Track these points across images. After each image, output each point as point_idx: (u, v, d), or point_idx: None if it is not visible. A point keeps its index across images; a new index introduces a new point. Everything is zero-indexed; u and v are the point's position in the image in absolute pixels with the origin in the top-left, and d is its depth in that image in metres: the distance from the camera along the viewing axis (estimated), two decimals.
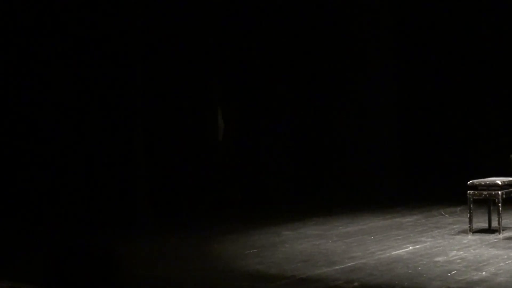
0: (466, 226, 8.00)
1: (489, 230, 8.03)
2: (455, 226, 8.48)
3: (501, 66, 12.36)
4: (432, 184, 12.26)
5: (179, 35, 10.93)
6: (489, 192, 7.80)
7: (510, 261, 6.39)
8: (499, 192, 7.73)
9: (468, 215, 7.92)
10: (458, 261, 6.53)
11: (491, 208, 8.08)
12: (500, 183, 7.78)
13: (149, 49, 10.54)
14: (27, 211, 9.55)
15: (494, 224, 7.99)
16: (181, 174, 10.92)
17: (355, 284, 5.89)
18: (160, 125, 10.78)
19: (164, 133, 10.82)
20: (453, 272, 6.09)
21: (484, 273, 6.02)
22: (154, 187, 10.52)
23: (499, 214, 7.74)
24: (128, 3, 10.05)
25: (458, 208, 9.84)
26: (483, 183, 7.87)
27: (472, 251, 6.98)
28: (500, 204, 7.71)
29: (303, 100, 12.49)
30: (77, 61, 9.99)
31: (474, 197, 7.86)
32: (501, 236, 7.68)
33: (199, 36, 11.07)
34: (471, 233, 7.87)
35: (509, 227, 8.06)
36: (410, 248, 7.27)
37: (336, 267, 6.53)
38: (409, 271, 6.21)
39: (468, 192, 7.89)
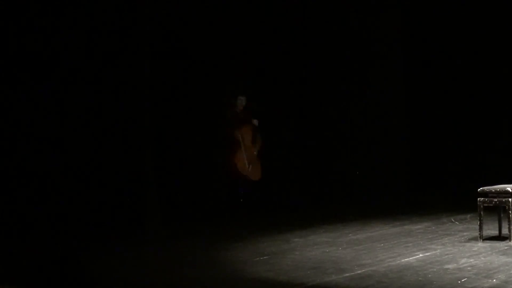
0: (477, 233, 7.96)
1: (500, 238, 7.99)
2: (465, 233, 8.45)
3: None
4: (442, 191, 12.22)
5: (187, 41, 10.95)
6: (500, 199, 7.77)
7: None
8: (510, 199, 7.69)
9: (479, 222, 7.89)
10: (469, 268, 6.50)
11: (502, 215, 8.04)
12: (510, 190, 7.74)
13: (158, 49, 10.55)
14: (33, 216, 9.56)
15: (505, 231, 7.95)
16: (191, 179, 10.92)
17: None
18: (169, 129, 10.79)
19: (174, 137, 10.83)
20: (463, 280, 6.06)
21: (494, 280, 5.99)
22: (163, 193, 10.53)
23: (509, 221, 7.70)
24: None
25: (468, 215, 9.80)
26: (493, 190, 7.84)
27: (482, 258, 6.95)
28: (510, 211, 7.67)
29: (312, 105, 12.46)
30: (88, 66, 10.02)
31: (484, 204, 7.83)
32: (511, 243, 7.64)
33: (204, 38, 11.08)
34: (481, 241, 7.83)
35: None
36: (420, 255, 7.23)
37: (346, 275, 6.50)
38: (419, 279, 6.18)
39: (478, 199, 7.86)
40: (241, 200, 10.87)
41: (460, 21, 12.64)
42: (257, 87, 11.66)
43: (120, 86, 10.21)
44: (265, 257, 7.46)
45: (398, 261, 6.96)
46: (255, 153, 11.09)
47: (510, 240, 7.72)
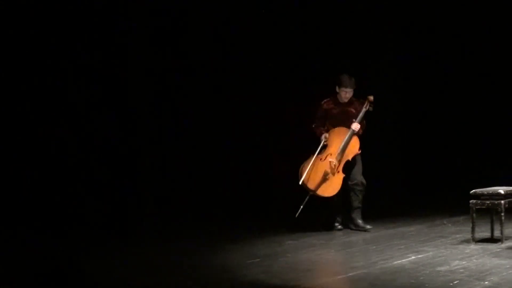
0: (469, 236, 7.98)
1: (492, 240, 8.01)
2: (457, 236, 8.47)
3: (505, 74, 12.36)
4: (435, 193, 12.24)
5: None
6: (492, 201, 7.79)
7: None
8: (502, 202, 7.72)
9: (471, 224, 7.91)
10: (461, 270, 6.52)
11: (494, 217, 8.07)
12: (502, 193, 7.77)
13: (155, 47, 10.65)
14: (32, 217, 9.61)
15: (497, 233, 7.98)
16: (186, 181, 10.94)
17: None
18: (166, 130, 10.84)
19: (170, 137, 10.87)
20: (455, 282, 6.08)
21: (486, 282, 6.01)
22: (160, 195, 10.57)
23: (501, 224, 7.73)
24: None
25: (461, 218, 9.81)
26: (485, 193, 7.86)
27: (474, 260, 6.97)
28: (502, 214, 7.70)
29: (305, 105, 12.41)
30: (82, 60, 10.09)
31: (476, 207, 7.85)
32: (503, 245, 7.66)
33: (199, 39, 11.15)
34: (473, 243, 7.85)
35: None
36: (413, 257, 7.26)
37: (339, 277, 6.52)
38: (412, 281, 6.20)
39: (470, 201, 7.88)
40: (296, 216, 9.02)
41: (454, 28, 12.63)
42: (253, 89, 11.59)
43: (121, 81, 10.29)
44: (258, 260, 7.47)
45: (391, 264, 6.98)
46: (336, 164, 9.02)
47: (502, 242, 7.75)
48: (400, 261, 7.07)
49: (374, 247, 8.00)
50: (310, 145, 9.29)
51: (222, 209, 10.92)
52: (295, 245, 8.30)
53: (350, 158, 9.10)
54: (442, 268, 6.64)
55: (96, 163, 10.23)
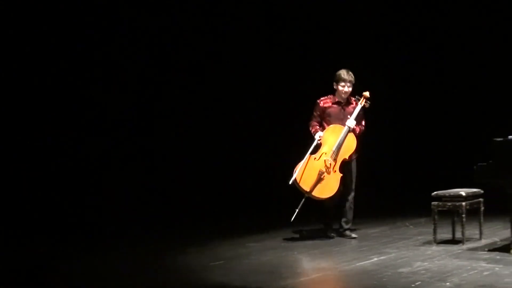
0: (431, 237, 8.04)
1: (453, 241, 8.08)
2: (419, 237, 8.53)
3: (466, 76, 12.46)
4: (397, 195, 12.30)
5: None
6: (453, 203, 7.86)
7: (473, 272, 6.44)
8: (463, 204, 7.80)
9: (433, 226, 7.97)
10: (423, 272, 6.56)
11: (455, 219, 8.14)
12: (464, 195, 7.85)
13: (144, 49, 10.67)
14: (27, 217, 9.60)
15: (458, 235, 8.05)
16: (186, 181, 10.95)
17: None
18: (166, 130, 10.82)
19: (170, 137, 10.87)
20: (417, 283, 6.12)
21: (448, 283, 6.06)
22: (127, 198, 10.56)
23: (462, 225, 7.80)
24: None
25: (423, 219, 9.88)
26: (447, 195, 7.93)
27: (436, 262, 7.03)
28: (463, 215, 7.77)
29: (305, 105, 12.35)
30: (82, 60, 10.11)
31: (438, 208, 7.92)
32: (464, 247, 7.73)
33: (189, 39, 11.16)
34: (435, 244, 7.91)
35: (473, 238, 8.13)
36: (375, 259, 7.29)
37: (301, 279, 6.52)
38: (374, 282, 6.22)
39: (432, 203, 7.94)
40: (292, 219, 8.34)
41: (454, 27, 12.68)
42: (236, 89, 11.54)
43: (120, 81, 10.30)
44: (221, 262, 7.45)
45: (353, 265, 7.00)
46: (332, 163, 8.42)
47: (463, 244, 7.82)
48: (362, 263, 7.09)
49: (337, 249, 8.03)
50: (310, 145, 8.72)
51: (200, 210, 10.92)
52: (258, 248, 8.29)
53: (347, 157, 8.54)
54: (404, 270, 6.67)
55: (94, 163, 10.23)
